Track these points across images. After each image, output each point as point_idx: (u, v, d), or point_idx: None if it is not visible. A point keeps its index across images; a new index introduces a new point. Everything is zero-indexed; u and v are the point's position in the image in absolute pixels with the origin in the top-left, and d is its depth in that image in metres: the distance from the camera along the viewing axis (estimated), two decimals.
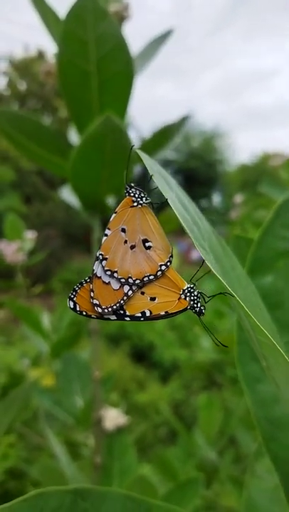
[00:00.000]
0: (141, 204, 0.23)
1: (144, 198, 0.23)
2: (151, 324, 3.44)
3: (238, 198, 1.77)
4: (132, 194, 0.23)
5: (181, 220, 0.15)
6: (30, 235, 1.04)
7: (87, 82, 0.50)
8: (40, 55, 7.79)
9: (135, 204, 0.23)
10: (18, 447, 1.33)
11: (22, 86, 8.26)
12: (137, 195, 0.23)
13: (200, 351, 1.70)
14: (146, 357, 2.98)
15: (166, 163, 12.75)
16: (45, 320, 0.99)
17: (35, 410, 1.36)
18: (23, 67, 8.04)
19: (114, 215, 0.23)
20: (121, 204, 0.23)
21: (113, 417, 0.62)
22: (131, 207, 0.23)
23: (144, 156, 0.18)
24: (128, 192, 0.23)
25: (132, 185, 0.23)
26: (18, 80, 8.18)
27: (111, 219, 0.23)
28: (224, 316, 1.28)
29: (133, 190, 0.23)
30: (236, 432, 1.02)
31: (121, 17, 0.54)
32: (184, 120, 0.61)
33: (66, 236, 6.87)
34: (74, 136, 0.64)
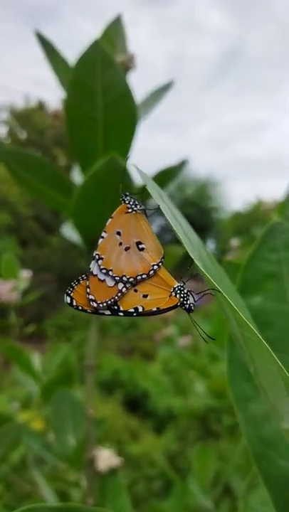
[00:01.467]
0: (135, 211, 0.25)
1: (138, 206, 0.25)
2: (146, 369, 3.37)
3: (235, 242, 1.80)
4: (126, 202, 0.25)
5: (173, 226, 0.16)
6: (25, 274, 1.04)
7: (92, 126, 0.52)
8: (41, 106, 8.13)
9: (130, 210, 0.25)
10: (5, 497, 1.26)
11: (22, 135, 8.55)
12: (131, 203, 0.25)
13: (195, 397, 1.66)
14: (141, 405, 2.89)
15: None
16: (36, 361, 0.97)
17: (24, 457, 1.30)
18: (23, 117, 8.37)
19: (110, 219, 0.25)
20: (117, 210, 0.25)
21: (106, 458, 0.60)
22: (126, 213, 0.25)
23: (138, 169, 0.20)
24: (123, 200, 0.25)
25: (127, 194, 0.25)
26: (18, 129, 8.49)
27: (107, 223, 0.25)
28: (217, 359, 1.26)
29: (128, 198, 0.25)
30: (232, 481, 0.98)
31: (126, 67, 0.58)
32: (183, 163, 0.64)
33: (62, 281, 6.86)
34: (76, 177, 0.66)
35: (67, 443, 0.70)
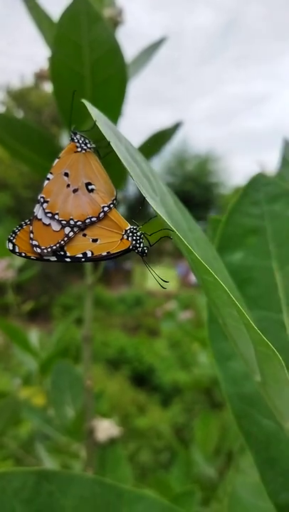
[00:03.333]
0: (85, 149, 0.23)
1: (88, 144, 0.23)
2: (151, 345, 3.40)
3: None
4: (75, 140, 0.23)
5: (126, 165, 0.15)
6: None
7: (80, 85, 0.50)
8: (36, 85, 7.97)
9: (79, 150, 0.23)
10: None
11: (19, 115, 8.44)
12: (81, 142, 0.23)
13: (198, 368, 1.67)
14: (147, 380, 2.93)
15: None
16: (34, 339, 0.97)
17: (31, 433, 1.32)
18: (19, 97, 8.24)
19: (56, 160, 0.23)
20: (64, 150, 0.23)
21: (105, 428, 0.60)
22: (75, 152, 0.23)
23: (88, 105, 0.18)
24: (72, 138, 0.23)
25: (76, 132, 0.23)
26: (15, 108, 8.37)
27: (54, 164, 0.23)
28: None
29: (77, 136, 0.23)
30: (235, 449, 0.99)
31: (115, 22, 0.55)
32: (177, 126, 0.61)
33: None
34: (66, 140, 0.64)
35: (67, 415, 0.70)
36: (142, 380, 2.94)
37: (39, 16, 0.54)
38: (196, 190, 11.80)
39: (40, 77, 0.64)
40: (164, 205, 0.17)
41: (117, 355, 3.22)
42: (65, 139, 0.65)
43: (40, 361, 0.88)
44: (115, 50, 0.48)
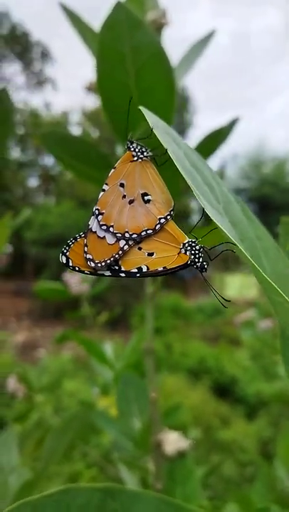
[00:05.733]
0: (141, 158, 0.22)
1: (144, 152, 0.22)
2: (233, 355, 3.31)
3: None
4: (132, 149, 0.22)
5: (183, 173, 0.14)
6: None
7: (126, 94, 0.49)
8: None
9: (135, 158, 0.22)
10: (99, 480, 1.32)
11: (95, 133, 8.82)
12: (137, 150, 0.22)
13: (280, 380, 1.60)
14: (229, 392, 2.85)
15: (237, 192, 12.61)
16: (109, 349, 0.99)
17: (112, 442, 1.34)
18: (94, 117, 8.62)
19: (112, 170, 0.23)
20: (121, 159, 0.23)
21: (174, 441, 0.59)
22: (131, 161, 0.22)
23: (146, 111, 0.18)
24: (128, 147, 0.23)
25: (133, 140, 0.23)
26: (90, 128, 8.77)
27: (109, 174, 0.23)
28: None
29: (134, 145, 0.22)
30: None
31: (159, 25, 0.53)
32: (233, 122, 0.57)
33: None
34: (120, 152, 0.64)
35: (134, 427, 0.70)
36: (224, 391, 2.86)
37: (83, 29, 0.54)
38: (275, 194, 11.38)
39: (89, 90, 0.65)
40: (227, 214, 0.16)
41: (197, 365, 3.18)
42: (118, 151, 0.65)
43: (115, 373, 0.89)
44: (159, 54, 0.46)
